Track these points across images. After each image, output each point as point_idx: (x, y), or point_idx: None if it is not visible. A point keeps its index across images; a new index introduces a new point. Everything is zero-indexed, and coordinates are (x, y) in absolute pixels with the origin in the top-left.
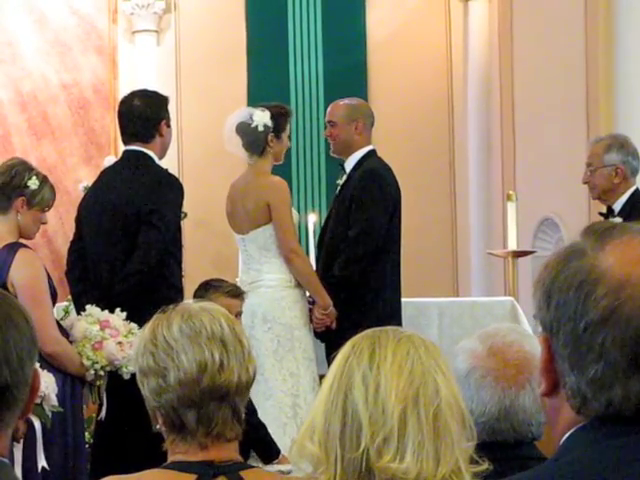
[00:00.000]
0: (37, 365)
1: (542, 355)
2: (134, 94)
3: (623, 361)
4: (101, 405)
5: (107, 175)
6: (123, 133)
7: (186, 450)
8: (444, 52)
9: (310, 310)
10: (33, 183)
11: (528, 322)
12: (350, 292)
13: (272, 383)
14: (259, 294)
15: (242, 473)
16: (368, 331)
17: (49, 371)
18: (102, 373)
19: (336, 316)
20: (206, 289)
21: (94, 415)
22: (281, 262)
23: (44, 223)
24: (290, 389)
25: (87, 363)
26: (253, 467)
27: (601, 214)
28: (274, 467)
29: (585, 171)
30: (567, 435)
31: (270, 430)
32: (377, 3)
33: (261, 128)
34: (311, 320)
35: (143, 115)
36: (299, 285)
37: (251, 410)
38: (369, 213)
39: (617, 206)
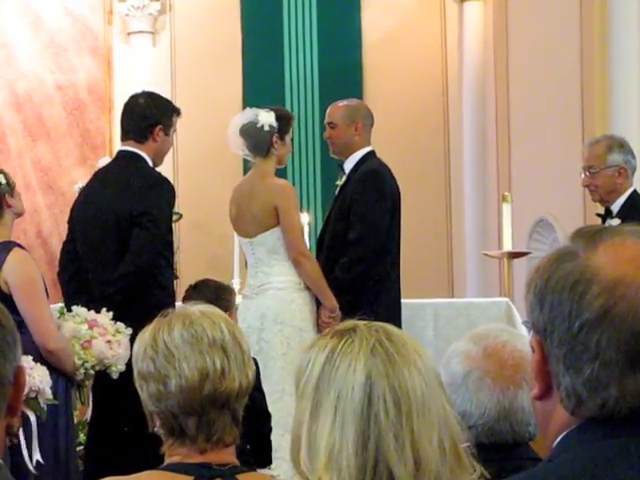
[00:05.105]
0: (30, 359)
1: (535, 358)
2: (143, 93)
3: (619, 360)
4: (88, 405)
5: (99, 176)
6: (121, 129)
7: (184, 453)
8: (439, 53)
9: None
10: (2, 179)
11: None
12: (353, 293)
13: (280, 386)
14: (268, 296)
15: (239, 476)
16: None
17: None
18: (92, 372)
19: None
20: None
21: (87, 418)
22: (290, 265)
23: None
24: None
25: (78, 362)
26: (250, 471)
27: (599, 215)
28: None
29: (584, 175)
30: (561, 436)
31: (277, 433)
32: (372, 4)
33: (267, 128)
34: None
35: (140, 113)
36: (308, 288)
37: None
38: (370, 214)
39: (615, 207)
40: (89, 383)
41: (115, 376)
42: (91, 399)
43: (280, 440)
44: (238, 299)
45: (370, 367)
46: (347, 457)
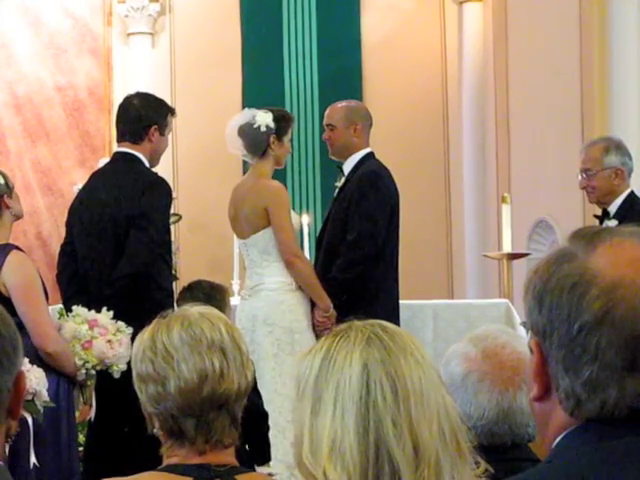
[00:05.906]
0: (26, 361)
1: (534, 359)
2: (137, 94)
3: (618, 362)
4: (91, 406)
5: (96, 177)
6: (116, 131)
7: (183, 455)
8: (439, 55)
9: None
10: (1, 179)
11: None
12: (350, 294)
13: (272, 387)
14: (260, 298)
15: (238, 477)
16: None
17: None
18: (93, 372)
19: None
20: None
21: (90, 418)
22: (282, 266)
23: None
24: (289, 393)
25: (79, 363)
26: (249, 471)
27: (596, 217)
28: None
29: (581, 177)
30: (560, 437)
31: (270, 434)
32: (372, 6)
33: (263, 129)
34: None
35: (134, 115)
36: (300, 288)
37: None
38: (368, 216)
39: (612, 208)
40: (91, 383)
41: (117, 375)
42: (94, 399)
43: (273, 440)
44: (237, 300)
45: (366, 356)
46: (349, 445)
